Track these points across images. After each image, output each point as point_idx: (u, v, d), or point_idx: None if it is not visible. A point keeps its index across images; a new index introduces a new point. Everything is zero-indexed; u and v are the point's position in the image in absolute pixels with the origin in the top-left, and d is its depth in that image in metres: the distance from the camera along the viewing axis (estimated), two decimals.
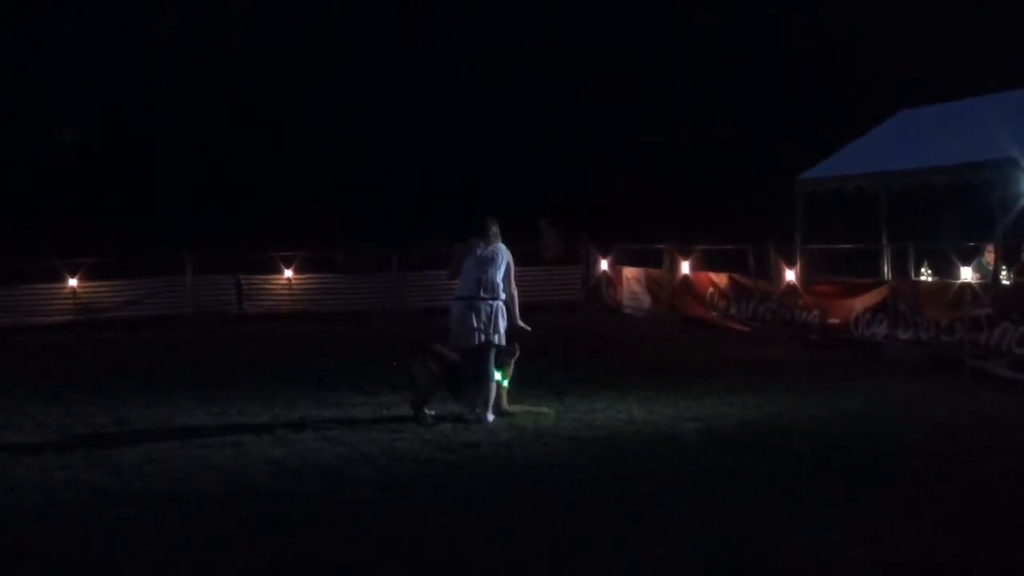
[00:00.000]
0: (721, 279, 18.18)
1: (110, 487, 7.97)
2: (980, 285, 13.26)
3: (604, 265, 22.24)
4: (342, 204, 29.50)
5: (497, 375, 10.33)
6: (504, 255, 10.42)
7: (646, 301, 20.65)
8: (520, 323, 10.55)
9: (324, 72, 31.43)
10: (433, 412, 10.33)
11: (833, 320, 15.32)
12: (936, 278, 15.00)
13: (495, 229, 10.45)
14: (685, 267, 19.27)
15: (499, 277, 10.32)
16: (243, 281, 21.38)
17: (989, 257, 14.80)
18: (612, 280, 22.01)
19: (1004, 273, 14.41)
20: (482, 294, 10.23)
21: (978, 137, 14.32)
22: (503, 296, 10.36)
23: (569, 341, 16.74)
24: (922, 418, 10.06)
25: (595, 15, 31.85)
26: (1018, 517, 6.86)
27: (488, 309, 10.24)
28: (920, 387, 11.70)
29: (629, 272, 21.42)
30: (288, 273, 21.57)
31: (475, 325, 10.20)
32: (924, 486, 7.61)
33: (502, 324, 10.34)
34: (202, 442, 9.51)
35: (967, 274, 14.38)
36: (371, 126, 31.00)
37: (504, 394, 10.45)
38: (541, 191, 28.98)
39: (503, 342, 10.39)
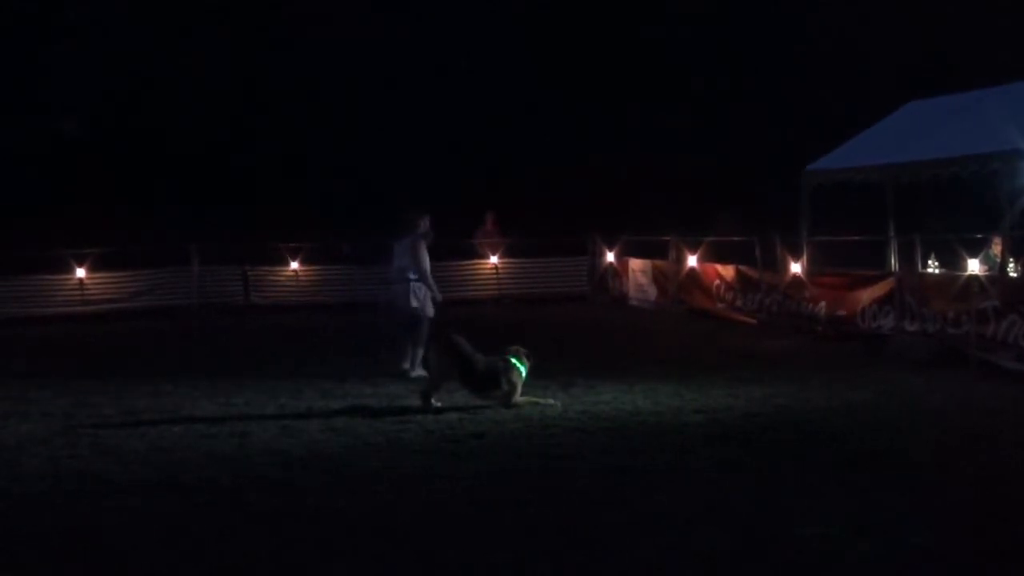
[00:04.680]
0: (727, 271, 18.15)
1: (116, 476, 7.99)
2: (987, 277, 13.22)
3: (610, 256, 22.23)
4: (348, 194, 29.47)
5: (520, 367, 10.51)
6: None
7: (652, 293, 20.63)
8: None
9: (328, 63, 31.37)
10: (439, 404, 10.41)
11: (839, 312, 15.30)
12: (943, 270, 14.96)
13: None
14: (692, 259, 19.26)
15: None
16: (249, 272, 21.42)
17: (996, 249, 14.76)
18: (618, 272, 21.99)
19: (1012, 265, 14.37)
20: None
21: (985, 129, 14.24)
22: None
23: (575, 333, 16.74)
24: (928, 410, 10.05)
25: (600, 3, 31.76)
26: None
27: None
28: (926, 379, 11.66)
29: (635, 264, 21.40)
30: (294, 264, 21.59)
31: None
32: (930, 478, 7.61)
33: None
34: (208, 432, 9.54)
35: (974, 266, 14.33)
36: (377, 116, 30.96)
37: (520, 385, 10.55)
38: (543, 185, 28.95)
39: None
